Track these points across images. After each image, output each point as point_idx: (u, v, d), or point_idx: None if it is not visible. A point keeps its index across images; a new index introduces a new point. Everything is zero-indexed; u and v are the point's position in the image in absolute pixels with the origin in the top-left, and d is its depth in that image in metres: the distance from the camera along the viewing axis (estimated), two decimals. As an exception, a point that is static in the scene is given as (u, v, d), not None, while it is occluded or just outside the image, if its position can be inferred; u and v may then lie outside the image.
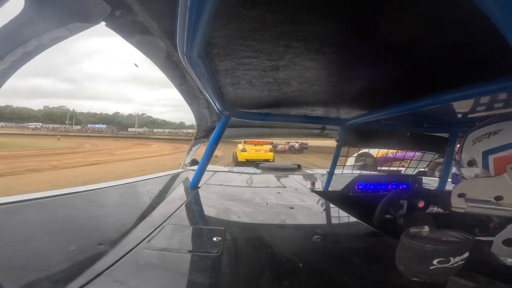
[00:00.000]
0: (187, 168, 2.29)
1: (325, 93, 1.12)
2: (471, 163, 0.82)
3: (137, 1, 0.54)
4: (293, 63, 0.79)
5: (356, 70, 0.85)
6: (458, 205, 0.73)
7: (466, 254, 0.48)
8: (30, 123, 70.83)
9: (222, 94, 1.13)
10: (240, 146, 11.99)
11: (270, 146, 12.25)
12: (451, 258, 0.46)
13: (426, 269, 0.47)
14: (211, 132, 1.79)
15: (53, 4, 0.50)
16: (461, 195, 0.73)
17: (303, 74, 0.88)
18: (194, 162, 2.39)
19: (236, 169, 2.76)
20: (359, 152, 3.83)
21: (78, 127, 74.48)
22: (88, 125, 76.54)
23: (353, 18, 0.55)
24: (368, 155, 3.90)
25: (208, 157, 1.50)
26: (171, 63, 0.88)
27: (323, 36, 0.63)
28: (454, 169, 0.97)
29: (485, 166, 0.77)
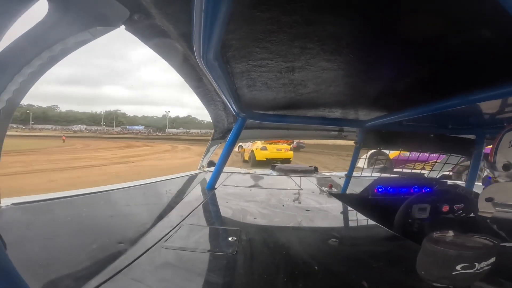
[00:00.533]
0: (204, 169, 2.33)
1: (342, 94, 1.10)
2: (507, 167, 0.76)
3: (154, 5, 0.56)
4: (309, 64, 0.78)
5: (375, 70, 0.83)
6: (485, 209, 0.70)
7: (493, 260, 0.45)
8: (75, 126, 75.38)
9: (238, 96, 1.14)
10: (259, 145, 11.18)
11: (290, 145, 11.71)
12: (476, 264, 0.44)
13: (449, 274, 0.45)
14: (228, 133, 1.80)
15: (75, 8, 0.53)
16: (489, 200, 0.69)
17: (319, 75, 0.87)
18: (211, 163, 2.43)
19: (252, 171, 2.77)
20: (370, 152, 3.43)
21: (119, 128, 77.66)
22: (127, 127, 79.87)
23: (369, 17, 0.54)
24: (381, 154, 3.62)
25: (225, 158, 1.52)
26: (188, 66, 0.90)
27: (339, 36, 0.62)
28: (486, 172, 0.91)
29: None
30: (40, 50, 0.52)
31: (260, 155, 10.98)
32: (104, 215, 0.93)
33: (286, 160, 10.59)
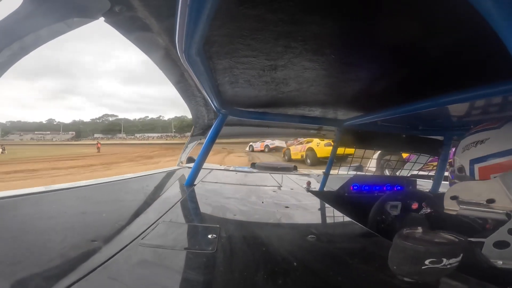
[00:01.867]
0: (183, 165, 2.29)
1: (323, 94, 1.13)
2: (460, 170, 0.83)
3: None
4: (292, 63, 0.79)
5: (354, 71, 0.85)
6: (450, 207, 0.74)
7: (460, 256, 0.49)
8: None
9: (220, 92, 1.13)
10: (321, 141, 10.18)
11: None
12: (444, 259, 0.47)
13: (418, 270, 0.48)
14: (208, 130, 1.79)
15: None
16: (453, 198, 0.74)
17: (301, 74, 0.88)
18: (190, 159, 2.39)
19: (232, 167, 2.76)
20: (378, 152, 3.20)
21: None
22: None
23: (352, 20, 0.56)
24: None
25: (205, 154, 1.50)
26: (169, 61, 0.88)
27: (322, 36, 0.63)
28: (448, 172, 0.98)
29: (471, 174, 0.78)
30: (11, 41, 0.49)
31: (323, 152, 9.88)
32: (75, 211, 0.88)
33: (348, 156, 9.69)
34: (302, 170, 2.88)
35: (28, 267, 0.51)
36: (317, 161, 9.96)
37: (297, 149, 12.00)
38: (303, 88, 1.04)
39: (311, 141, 10.55)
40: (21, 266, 0.51)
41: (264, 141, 18.71)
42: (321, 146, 10.20)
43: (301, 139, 11.34)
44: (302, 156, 11.33)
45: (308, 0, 0.50)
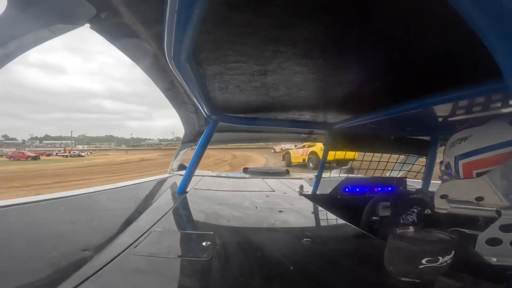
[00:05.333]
0: (174, 173, 2.25)
1: (312, 98, 1.14)
2: (448, 167, 0.85)
3: (124, 3, 0.53)
4: (281, 67, 0.80)
5: (342, 74, 0.86)
6: (441, 206, 0.76)
7: (452, 253, 0.49)
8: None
9: (210, 98, 1.12)
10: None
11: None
12: (440, 258, 0.48)
13: (415, 269, 0.48)
14: (199, 136, 1.77)
15: (36, 5, 0.48)
16: (443, 196, 0.75)
17: (290, 78, 0.89)
18: (181, 167, 2.36)
19: (224, 173, 2.74)
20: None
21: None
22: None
23: (340, 24, 0.57)
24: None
25: (196, 161, 1.48)
26: (157, 67, 0.87)
27: (311, 40, 0.64)
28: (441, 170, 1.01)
29: (457, 170, 0.80)
30: None
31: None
32: (64, 221, 0.86)
33: (349, 161, 10.66)
34: (294, 174, 2.88)
35: (20, 277, 0.50)
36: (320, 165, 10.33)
37: (298, 153, 12.21)
38: (293, 93, 1.05)
39: (313, 145, 10.66)
40: (12, 276, 0.49)
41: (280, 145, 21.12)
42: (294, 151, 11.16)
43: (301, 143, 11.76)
44: (304, 160, 11.54)
45: (296, 4, 0.50)
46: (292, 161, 12.32)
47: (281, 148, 20.71)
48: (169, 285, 0.54)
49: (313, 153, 10.90)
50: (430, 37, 0.58)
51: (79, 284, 0.48)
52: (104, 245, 0.67)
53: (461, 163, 0.79)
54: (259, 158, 19.65)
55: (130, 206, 1.15)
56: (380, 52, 0.68)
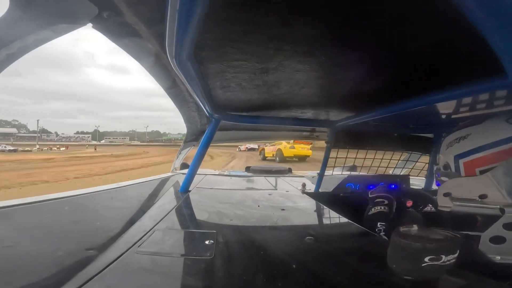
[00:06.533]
0: (177, 171, 2.26)
1: (314, 95, 1.13)
2: (446, 167, 0.85)
3: (126, 2, 0.53)
4: (283, 65, 0.79)
5: (344, 72, 0.86)
6: (444, 204, 0.75)
7: (457, 252, 0.49)
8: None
9: (212, 97, 1.12)
10: (286, 144, 13.88)
11: (310, 145, 13.76)
12: (443, 256, 0.47)
13: (418, 267, 0.48)
14: (201, 135, 1.77)
15: (38, 5, 0.49)
16: (446, 194, 0.75)
17: (292, 76, 0.88)
18: (184, 165, 2.37)
19: (226, 172, 2.75)
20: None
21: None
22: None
23: (342, 21, 0.56)
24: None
25: (199, 160, 1.49)
26: (160, 66, 0.87)
27: (312, 38, 0.63)
28: (434, 170, 1.00)
29: (457, 169, 0.80)
30: None
31: (288, 152, 14.04)
32: (68, 221, 0.87)
33: (306, 157, 14.25)
34: (296, 172, 2.88)
35: (24, 277, 0.50)
36: (283, 159, 13.85)
37: (270, 149, 15.86)
38: (295, 90, 1.04)
39: (280, 144, 14.24)
40: (16, 276, 0.50)
41: (245, 144, 27.85)
42: (287, 148, 13.96)
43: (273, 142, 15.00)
44: (273, 155, 15.21)
45: (297, 2, 0.50)
46: (265, 155, 16.14)
47: (246, 147, 28.45)
48: (173, 284, 0.55)
49: (279, 150, 14.43)
50: (433, 33, 0.57)
51: (84, 284, 0.48)
52: (108, 244, 0.67)
53: (462, 162, 0.78)
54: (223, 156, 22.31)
55: (133, 205, 1.16)
56: (382, 49, 0.68)
